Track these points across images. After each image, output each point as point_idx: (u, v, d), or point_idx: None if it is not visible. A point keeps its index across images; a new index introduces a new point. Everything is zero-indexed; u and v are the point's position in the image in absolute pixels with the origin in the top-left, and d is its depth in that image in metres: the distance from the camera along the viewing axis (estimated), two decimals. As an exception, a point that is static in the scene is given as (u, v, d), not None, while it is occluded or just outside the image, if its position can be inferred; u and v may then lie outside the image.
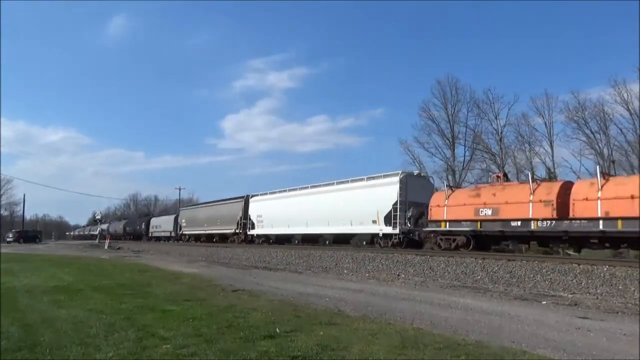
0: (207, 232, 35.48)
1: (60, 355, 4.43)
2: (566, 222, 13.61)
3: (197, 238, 37.72)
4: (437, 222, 17.18)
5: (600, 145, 34.74)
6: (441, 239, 17.29)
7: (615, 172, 32.85)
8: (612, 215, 12.57)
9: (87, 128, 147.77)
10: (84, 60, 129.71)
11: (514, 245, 17.26)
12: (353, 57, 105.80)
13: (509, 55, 76.83)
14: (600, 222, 12.80)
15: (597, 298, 8.94)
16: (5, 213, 78.77)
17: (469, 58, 79.12)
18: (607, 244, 13.52)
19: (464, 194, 17.23)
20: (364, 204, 20.68)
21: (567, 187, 14.39)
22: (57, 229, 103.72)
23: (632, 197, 12.23)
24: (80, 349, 4.63)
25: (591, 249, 14.14)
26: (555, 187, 14.60)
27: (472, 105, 40.66)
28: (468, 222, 16.15)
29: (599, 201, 12.84)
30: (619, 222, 12.43)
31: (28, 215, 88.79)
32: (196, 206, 44.81)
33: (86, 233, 78.42)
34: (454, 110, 41.09)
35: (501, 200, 15.26)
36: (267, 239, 28.15)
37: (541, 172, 36.56)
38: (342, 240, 22.92)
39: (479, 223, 15.83)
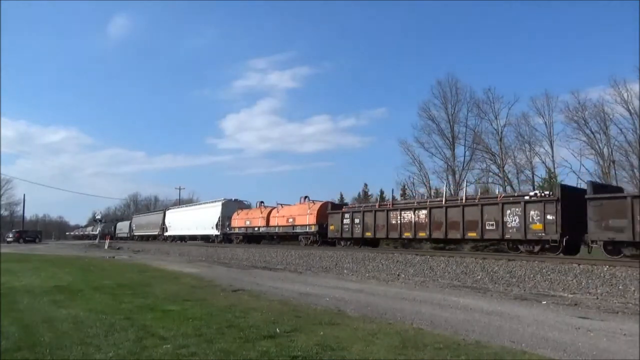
0: (146, 233, 48.88)
1: (60, 355, 4.43)
2: (269, 228, 27.55)
3: (142, 237, 49.50)
4: (233, 227, 31.02)
5: (600, 145, 34.77)
6: (235, 238, 30.92)
7: (615, 172, 33.00)
8: (279, 225, 26.70)
9: (88, 128, 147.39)
10: (86, 60, 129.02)
11: (265, 241, 29.79)
12: (354, 57, 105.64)
13: (509, 55, 76.94)
14: (277, 228, 26.92)
15: (597, 298, 8.94)
16: (5, 213, 78.57)
17: (469, 58, 79.07)
18: (276, 240, 28.62)
19: (243, 213, 30.92)
20: (209, 217, 34.43)
21: (271, 210, 27.82)
22: (57, 229, 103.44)
23: (285, 216, 26.11)
24: (80, 349, 4.64)
25: (278, 242, 28.08)
26: (267, 210, 28.30)
27: (472, 105, 40.63)
28: (243, 228, 30.11)
29: (277, 218, 26.94)
30: (280, 228, 26.66)
31: (28, 215, 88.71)
32: (140, 215, 60.26)
33: (85, 233, 78.45)
34: (454, 110, 41.02)
35: (251, 217, 29.62)
36: (173, 239, 41.34)
37: (541, 172, 36.78)
38: (206, 239, 35.72)
39: (246, 229, 29.76)
